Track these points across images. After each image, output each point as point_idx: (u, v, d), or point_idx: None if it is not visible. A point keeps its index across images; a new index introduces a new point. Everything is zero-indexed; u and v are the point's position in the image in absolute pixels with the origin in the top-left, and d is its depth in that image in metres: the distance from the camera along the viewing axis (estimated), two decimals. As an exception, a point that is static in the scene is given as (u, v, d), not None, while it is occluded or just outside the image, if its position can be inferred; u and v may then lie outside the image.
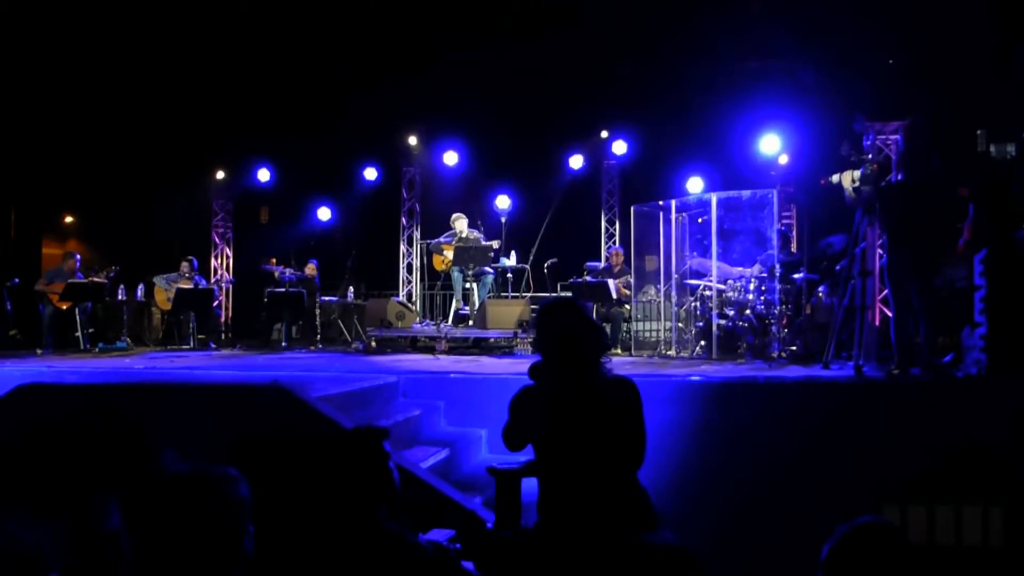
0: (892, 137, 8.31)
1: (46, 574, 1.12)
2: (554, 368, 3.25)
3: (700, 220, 10.04)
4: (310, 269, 12.36)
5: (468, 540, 3.44)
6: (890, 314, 7.16)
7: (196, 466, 2.16)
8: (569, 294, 12.14)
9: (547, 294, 12.64)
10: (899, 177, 7.08)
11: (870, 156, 7.65)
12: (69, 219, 16.42)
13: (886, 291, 7.44)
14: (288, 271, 12.29)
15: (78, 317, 10.47)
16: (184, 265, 11.98)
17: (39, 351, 10.14)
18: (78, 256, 11.19)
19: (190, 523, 2.03)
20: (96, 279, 10.87)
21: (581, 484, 3.19)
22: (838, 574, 2.07)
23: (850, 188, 7.44)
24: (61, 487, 2.47)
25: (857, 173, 7.37)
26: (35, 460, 2.54)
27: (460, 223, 11.73)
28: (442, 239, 11.95)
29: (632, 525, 3.16)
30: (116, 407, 4.49)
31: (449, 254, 11.63)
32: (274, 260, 13.20)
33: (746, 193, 9.43)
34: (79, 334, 10.43)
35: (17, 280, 11.08)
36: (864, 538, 2.10)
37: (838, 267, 9.09)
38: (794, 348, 8.97)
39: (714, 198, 9.36)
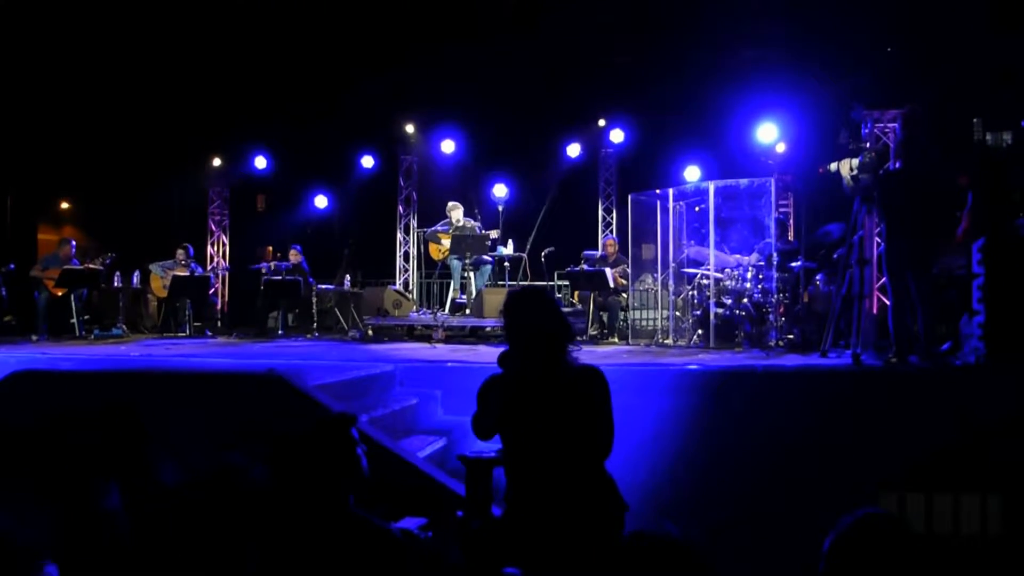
0: (890, 125, 8.29)
1: (39, 562, 1.10)
2: (520, 357, 3.25)
3: (697, 209, 10.01)
4: (293, 256, 12.25)
5: (439, 527, 3.45)
6: (888, 302, 7.15)
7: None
8: (549, 282, 12.15)
9: (545, 282, 12.63)
10: (897, 165, 7.05)
11: (868, 144, 7.62)
12: (65, 205, 16.34)
13: (884, 279, 7.44)
14: (274, 264, 12.25)
15: (73, 304, 10.42)
16: (180, 252, 11.93)
17: (34, 337, 10.11)
18: (74, 242, 11.15)
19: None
20: (92, 266, 10.82)
21: (545, 473, 3.19)
22: (841, 565, 2.05)
23: (848, 176, 7.41)
24: (56, 470, 2.46)
25: (855, 161, 7.33)
26: (31, 445, 2.52)
27: (456, 212, 11.70)
28: (438, 227, 11.91)
29: (597, 515, 3.18)
30: (115, 394, 4.46)
31: (446, 243, 11.60)
32: (270, 249, 13.15)
33: (744, 181, 9.40)
34: (74, 320, 10.39)
35: (12, 266, 11.04)
36: (867, 529, 2.08)
37: (835, 255, 9.08)
38: (791, 337, 8.96)
39: (712, 186, 9.33)
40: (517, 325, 3.26)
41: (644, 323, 10.84)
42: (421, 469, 4.86)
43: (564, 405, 3.18)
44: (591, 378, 3.26)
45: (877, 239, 7.86)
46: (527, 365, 3.23)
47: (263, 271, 12.05)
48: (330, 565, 2.50)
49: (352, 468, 2.67)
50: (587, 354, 8.35)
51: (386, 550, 2.55)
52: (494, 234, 11.42)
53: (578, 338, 10.42)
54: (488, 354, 8.55)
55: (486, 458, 3.75)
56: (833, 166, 7.62)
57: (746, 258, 9.45)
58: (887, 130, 8.27)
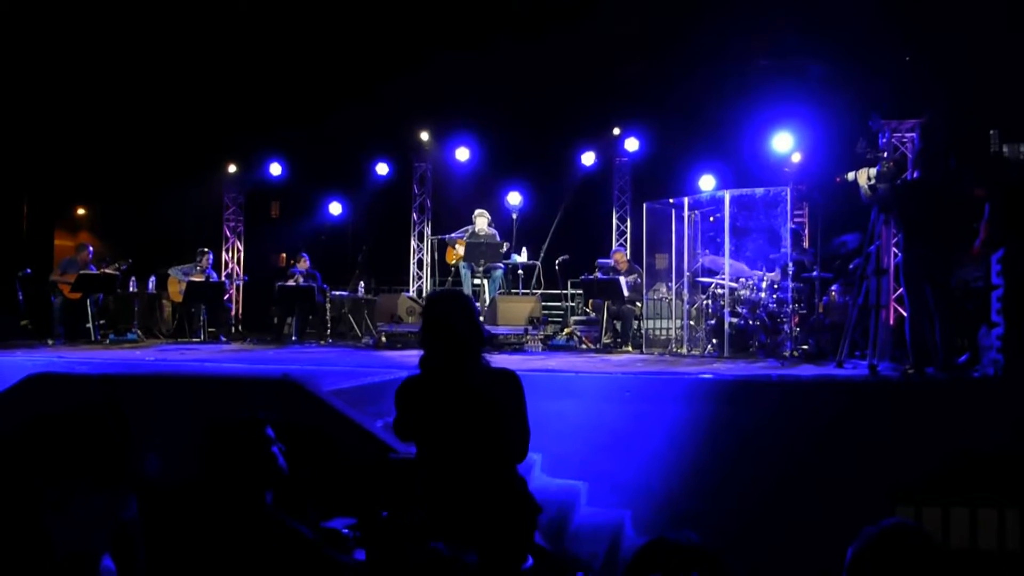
0: (908, 135, 8.24)
1: (99, 559, 1.11)
2: (432, 359, 3.29)
3: (712, 219, 9.98)
4: (302, 264, 12.27)
5: (365, 528, 3.46)
6: (905, 313, 7.10)
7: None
8: (563, 290, 12.11)
9: (558, 291, 12.61)
10: (915, 175, 7.01)
11: (886, 154, 7.57)
12: (81, 211, 16.46)
13: (901, 290, 7.38)
14: (299, 277, 12.28)
15: (89, 308, 10.47)
16: (202, 258, 11.96)
17: (50, 341, 10.15)
18: (91, 248, 11.21)
19: None
20: (108, 271, 10.88)
21: (456, 474, 3.23)
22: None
23: (865, 186, 7.38)
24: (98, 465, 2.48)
25: (873, 171, 7.30)
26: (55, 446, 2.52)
27: (481, 219, 11.65)
28: (455, 235, 11.92)
29: (508, 516, 3.21)
30: (130, 398, 4.46)
31: (461, 249, 11.59)
32: (283, 255, 13.18)
33: (759, 191, 9.36)
34: (90, 325, 10.43)
35: (29, 270, 11.10)
36: (890, 540, 2.05)
37: (851, 266, 9.04)
38: (806, 347, 8.91)
39: (727, 195, 9.29)
40: (433, 328, 3.31)
41: (658, 332, 10.80)
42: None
43: (477, 407, 3.22)
44: (505, 381, 3.30)
45: (894, 249, 7.81)
46: (441, 367, 3.27)
47: (297, 277, 12.02)
48: (234, 560, 2.54)
49: (268, 467, 2.69)
50: (601, 362, 8.37)
51: (295, 548, 2.59)
52: (507, 246, 11.41)
53: (592, 346, 10.47)
54: (502, 362, 8.52)
55: (410, 458, 3.76)
56: (850, 175, 7.59)
57: (768, 275, 9.36)
58: (905, 140, 8.23)
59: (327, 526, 3.26)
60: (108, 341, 10.52)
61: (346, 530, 3.41)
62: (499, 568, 3.09)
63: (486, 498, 3.19)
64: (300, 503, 2.82)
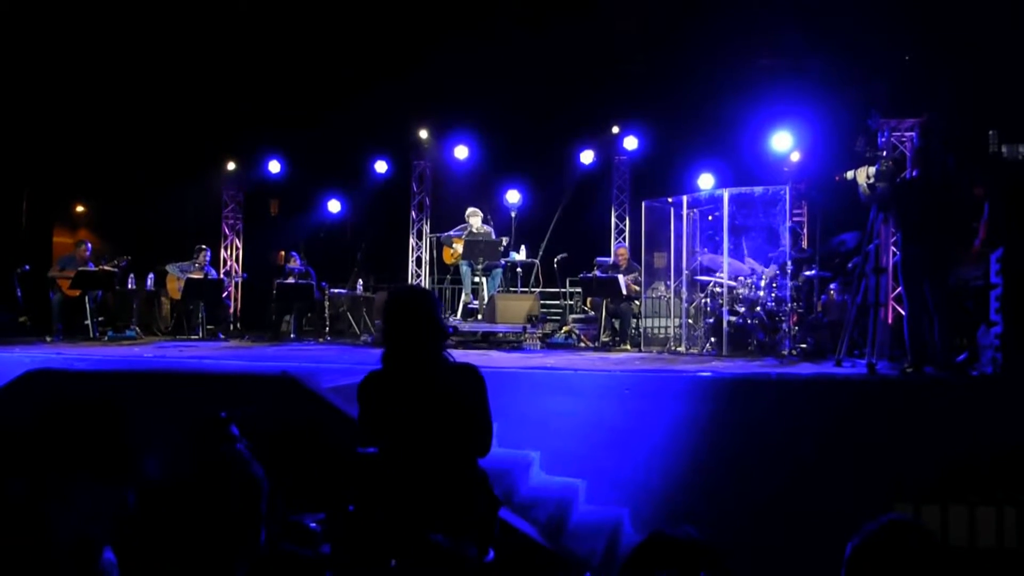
0: (907, 134, 8.24)
1: (99, 548, 1.10)
2: (394, 354, 3.31)
3: (711, 218, 9.98)
4: (292, 262, 12.27)
5: (331, 523, 3.49)
6: (903, 312, 7.10)
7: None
8: (561, 288, 12.11)
9: (557, 289, 12.61)
10: (914, 174, 7.01)
11: (885, 153, 7.57)
12: (80, 208, 16.44)
13: (900, 288, 7.39)
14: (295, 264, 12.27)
15: (88, 305, 10.46)
16: (199, 254, 11.95)
17: (48, 338, 10.15)
18: (89, 245, 11.20)
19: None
20: (106, 267, 10.87)
21: (416, 469, 3.25)
22: (863, 571, 2.02)
23: (864, 184, 7.38)
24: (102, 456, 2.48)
25: (872, 169, 7.30)
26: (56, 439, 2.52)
27: (475, 219, 11.67)
28: (453, 232, 11.91)
29: (468, 510, 3.22)
30: (128, 394, 4.47)
31: (459, 247, 11.59)
32: (282, 253, 13.17)
33: (758, 189, 9.36)
34: (88, 322, 10.43)
35: (28, 267, 11.09)
36: (890, 536, 2.04)
37: (850, 265, 9.04)
38: (804, 346, 8.92)
39: (726, 194, 9.29)
40: (394, 323, 3.34)
41: (656, 331, 10.80)
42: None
43: (438, 402, 3.25)
44: (466, 375, 3.33)
45: (893, 248, 7.81)
46: (402, 362, 3.29)
47: (293, 275, 12.01)
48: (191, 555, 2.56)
49: (230, 466, 2.73)
50: (599, 360, 8.37)
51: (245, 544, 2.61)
52: (505, 241, 11.40)
53: (590, 345, 10.48)
54: (500, 359, 8.53)
55: (373, 453, 3.79)
56: (850, 174, 7.59)
57: (766, 271, 9.37)
58: (904, 139, 8.23)
59: (295, 520, 3.27)
60: (106, 338, 10.52)
61: (314, 524, 3.42)
62: (461, 562, 3.10)
63: (446, 492, 3.21)
64: (272, 499, 2.82)
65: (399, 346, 3.30)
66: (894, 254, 7.73)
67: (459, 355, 8.97)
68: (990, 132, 7.44)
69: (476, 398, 3.30)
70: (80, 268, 10.60)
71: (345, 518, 3.40)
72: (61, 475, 2.17)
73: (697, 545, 1.86)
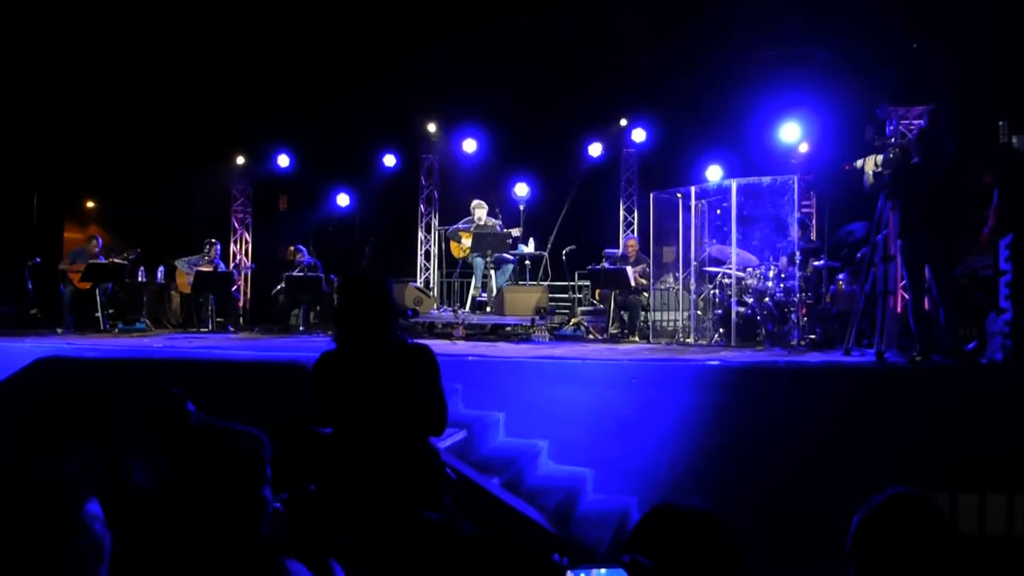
0: (916, 122, 8.21)
1: (82, 498, 1.11)
2: (345, 333, 3.40)
3: (719, 211, 9.96)
4: (298, 256, 12.29)
5: (292, 502, 3.53)
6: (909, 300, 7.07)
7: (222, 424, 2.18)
8: (570, 282, 12.11)
9: (565, 283, 12.60)
10: (916, 160, 6.97)
11: (893, 141, 7.54)
12: (91, 204, 16.50)
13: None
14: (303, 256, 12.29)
15: (98, 298, 10.52)
16: (210, 248, 11.99)
17: (59, 330, 10.21)
18: (100, 240, 11.25)
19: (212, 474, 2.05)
20: (116, 260, 10.92)
21: (366, 447, 3.30)
22: (869, 542, 2.03)
23: (870, 173, 7.35)
24: (88, 426, 2.51)
25: (880, 158, 7.27)
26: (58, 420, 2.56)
27: (480, 211, 11.68)
28: (459, 225, 11.92)
29: (420, 487, 3.27)
30: (138, 380, 4.51)
31: (466, 241, 11.60)
32: (291, 248, 13.20)
33: (766, 179, 9.34)
34: (99, 314, 10.49)
35: (39, 259, 11.15)
36: (895, 508, 2.06)
37: (859, 255, 9.01)
38: (813, 336, 8.90)
39: (734, 184, 9.28)
40: (347, 305, 3.42)
41: (665, 324, 10.79)
42: (442, 459, 4.84)
43: (389, 381, 3.29)
44: (418, 354, 3.39)
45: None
46: (354, 341, 3.37)
47: (303, 268, 12.02)
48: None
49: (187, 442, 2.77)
50: (608, 351, 8.37)
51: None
52: (516, 232, 11.40)
53: (599, 337, 10.48)
54: (508, 349, 8.55)
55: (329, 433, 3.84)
56: (859, 163, 7.56)
57: (774, 266, 9.33)
58: (912, 127, 8.20)
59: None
60: (117, 330, 10.57)
61: (278, 504, 3.46)
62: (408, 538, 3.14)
63: (396, 470, 3.25)
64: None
65: (352, 327, 3.38)
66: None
67: (467, 347, 9.01)
68: (1000, 123, 7.41)
69: (428, 378, 3.34)
70: (91, 261, 10.65)
71: (306, 497, 3.45)
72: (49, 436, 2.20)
73: (704, 515, 1.87)
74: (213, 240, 12.17)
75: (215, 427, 2.60)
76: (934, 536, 2.02)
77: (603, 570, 1.91)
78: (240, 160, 14.68)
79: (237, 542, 2.05)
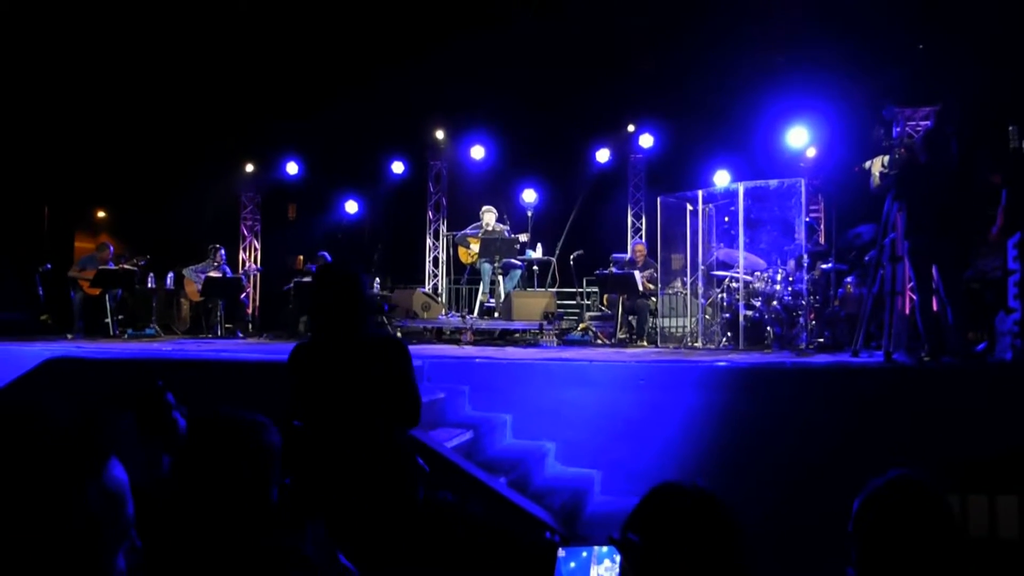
0: (922, 124, 8.19)
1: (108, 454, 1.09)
2: (319, 326, 3.46)
3: (727, 219, 9.95)
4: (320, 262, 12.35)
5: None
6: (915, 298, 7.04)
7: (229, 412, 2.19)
8: (579, 288, 12.09)
9: (573, 289, 12.61)
10: (923, 160, 6.94)
11: (899, 141, 7.53)
12: (101, 214, 16.62)
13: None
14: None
15: (108, 303, 10.58)
16: (215, 253, 12.03)
17: (69, 336, 10.26)
18: (111, 246, 11.32)
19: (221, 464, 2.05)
20: (126, 266, 10.98)
21: (341, 439, 3.32)
22: (870, 524, 2.03)
23: (877, 174, 7.33)
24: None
25: (887, 159, 7.26)
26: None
27: (489, 216, 11.69)
28: (468, 231, 11.94)
29: (391, 478, 3.28)
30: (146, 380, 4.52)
31: (474, 247, 11.62)
32: (300, 258, 13.25)
33: (773, 182, 9.34)
34: (108, 320, 10.55)
35: (49, 265, 11.23)
36: (896, 490, 2.05)
37: (867, 257, 8.98)
38: (822, 340, 8.86)
39: (741, 187, 9.28)
40: (321, 298, 3.44)
41: (673, 330, 10.76)
42: (447, 457, 4.86)
43: (361, 373, 3.33)
44: (390, 347, 3.44)
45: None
46: (327, 334, 3.41)
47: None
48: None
49: (168, 429, 2.78)
50: (615, 354, 8.36)
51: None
52: (523, 237, 11.41)
53: (607, 342, 10.47)
54: (516, 353, 8.55)
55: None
56: (868, 164, 7.54)
57: (782, 270, 9.31)
58: (919, 128, 8.18)
59: None
60: (126, 336, 10.62)
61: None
62: (382, 529, 3.15)
63: (367, 462, 3.27)
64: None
65: (325, 319, 3.42)
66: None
67: (474, 349, 9.01)
68: (1010, 128, 7.40)
69: (401, 369, 3.37)
70: (100, 267, 10.72)
71: (282, 489, 3.47)
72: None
73: (703, 495, 1.87)
74: (217, 245, 12.20)
75: (220, 417, 2.60)
76: (934, 518, 2.02)
77: (594, 548, 1.92)
78: (249, 168, 14.78)
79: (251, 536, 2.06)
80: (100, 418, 1.02)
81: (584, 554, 2.07)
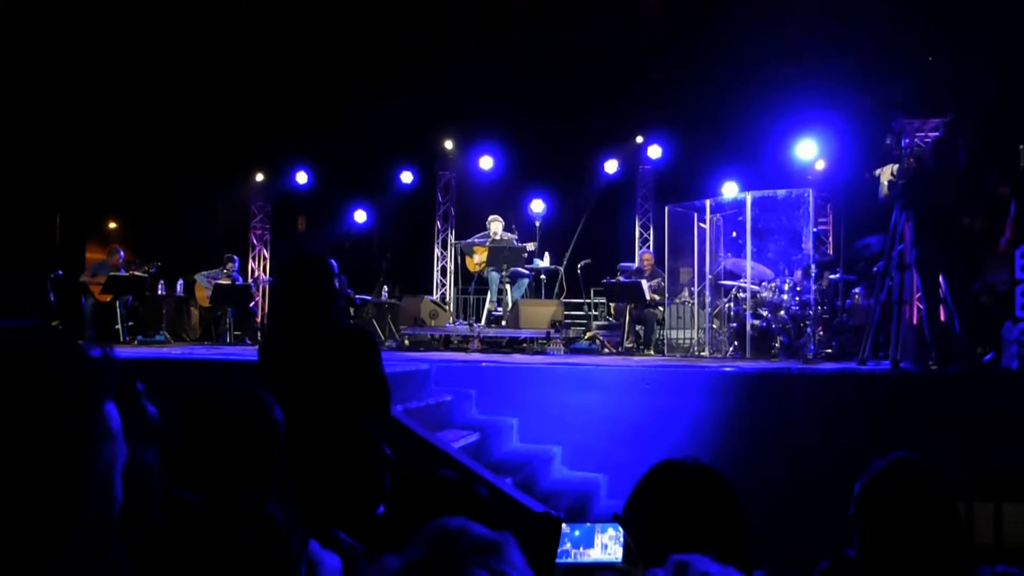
0: (931, 135, 8.20)
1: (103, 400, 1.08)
2: (285, 318, 3.48)
3: (734, 234, 9.94)
4: None
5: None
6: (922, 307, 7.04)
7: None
8: (586, 299, 12.11)
9: (581, 300, 12.63)
10: (931, 169, 6.96)
11: (907, 151, 7.55)
12: (112, 224, 16.72)
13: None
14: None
15: (118, 310, 10.64)
16: (228, 263, 12.11)
17: (80, 342, 10.30)
18: (122, 252, 11.39)
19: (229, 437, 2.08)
20: (137, 273, 11.04)
21: (307, 428, 3.21)
22: (871, 507, 2.05)
23: (886, 184, 7.35)
24: None
25: (896, 168, 7.27)
26: None
27: (496, 225, 11.73)
28: (474, 239, 11.98)
29: (357, 467, 3.28)
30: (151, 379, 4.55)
31: (479, 256, 11.65)
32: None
33: (781, 192, 9.35)
34: (119, 327, 10.60)
35: (61, 272, 11.30)
36: (896, 473, 2.08)
37: (875, 268, 8.97)
38: (829, 350, 8.85)
39: (749, 197, 9.30)
40: (286, 288, 3.47)
41: (680, 341, 10.75)
42: (453, 456, 4.89)
43: (327, 362, 3.31)
44: (355, 336, 3.45)
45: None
46: (292, 323, 3.42)
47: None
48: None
49: (139, 416, 2.80)
50: (622, 362, 8.37)
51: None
52: (531, 246, 11.44)
53: (614, 350, 10.47)
54: (523, 359, 8.57)
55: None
56: (877, 172, 7.56)
57: (789, 280, 9.31)
58: (928, 139, 8.19)
59: None
60: (136, 342, 10.67)
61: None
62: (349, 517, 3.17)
63: (333, 450, 3.26)
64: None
65: (291, 310, 3.44)
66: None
67: (482, 357, 9.05)
68: (1021, 147, 7.40)
69: (365, 358, 3.36)
70: (111, 273, 10.78)
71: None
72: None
73: (705, 471, 1.89)
74: (231, 255, 12.29)
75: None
76: (933, 499, 2.04)
77: (598, 525, 1.94)
78: (259, 177, 14.87)
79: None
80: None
81: (588, 524, 2.10)
